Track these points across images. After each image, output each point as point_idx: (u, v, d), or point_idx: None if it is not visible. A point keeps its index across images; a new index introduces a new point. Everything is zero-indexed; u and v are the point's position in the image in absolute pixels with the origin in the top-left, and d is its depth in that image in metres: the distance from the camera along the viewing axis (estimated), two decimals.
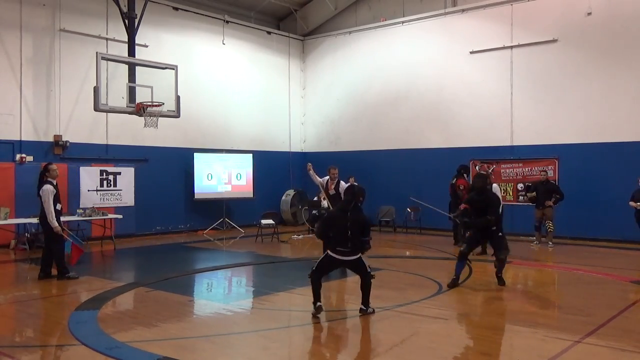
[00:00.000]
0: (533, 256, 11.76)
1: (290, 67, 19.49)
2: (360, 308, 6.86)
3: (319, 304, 6.68)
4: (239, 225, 16.56)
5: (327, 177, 10.25)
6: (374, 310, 6.90)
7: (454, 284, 8.38)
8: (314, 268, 6.85)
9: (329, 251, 6.82)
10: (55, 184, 9.05)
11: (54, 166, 9.17)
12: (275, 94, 19.03)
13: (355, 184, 10.16)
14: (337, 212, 7.08)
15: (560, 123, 14.37)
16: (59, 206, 9.05)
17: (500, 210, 9.40)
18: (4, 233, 12.17)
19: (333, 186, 10.10)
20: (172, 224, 15.95)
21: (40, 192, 8.89)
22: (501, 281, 8.49)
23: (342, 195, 9.73)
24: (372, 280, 6.84)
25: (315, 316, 6.65)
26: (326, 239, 7.05)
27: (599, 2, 13.84)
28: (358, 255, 6.78)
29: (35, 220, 11.87)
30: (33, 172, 12.76)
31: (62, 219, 9.35)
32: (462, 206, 8.84)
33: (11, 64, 13.08)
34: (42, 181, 9.02)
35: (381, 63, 17.71)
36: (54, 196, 8.91)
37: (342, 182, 10.13)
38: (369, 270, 6.82)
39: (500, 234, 8.56)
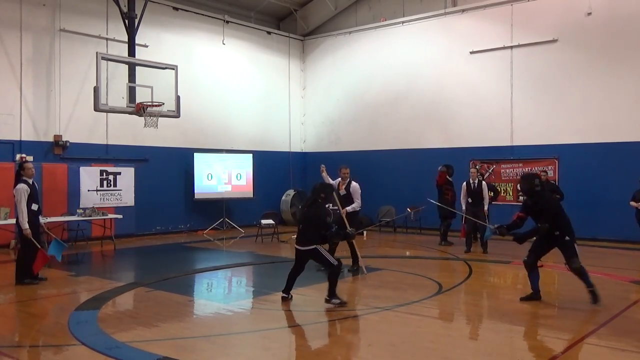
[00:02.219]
0: None
1: (290, 67, 19.49)
2: (325, 298, 7.23)
3: (285, 295, 7.38)
4: (239, 225, 16.56)
5: (339, 179, 10.16)
6: (342, 302, 7.15)
7: (530, 297, 7.43)
8: None
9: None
10: (31, 182, 8.60)
11: (29, 164, 8.71)
12: (275, 94, 19.04)
13: (325, 181, 9.97)
14: (301, 208, 7.66)
15: (560, 123, 14.37)
16: (35, 206, 8.59)
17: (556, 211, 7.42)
18: (4, 233, 12.16)
19: (344, 186, 10.04)
20: (172, 224, 15.95)
21: (14, 191, 8.45)
22: (595, 297, 7.17)
23: (353, 197, 9.80)
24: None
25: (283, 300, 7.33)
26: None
27: (599, 2, 13.84)
28: (311, 247, 7.19)
29: None
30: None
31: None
32: (517, 215, 7.63)
33: (11, 64, 13.08)
34: (17, 180, 8.56)
35: (381, 63, 17.71)
36: (29, 195, 8.46)
37: (353, 183, 10.09)
38: (333, 262, 7.16)
39: (567, 238, 7.27)
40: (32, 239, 8.51)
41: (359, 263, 9.64)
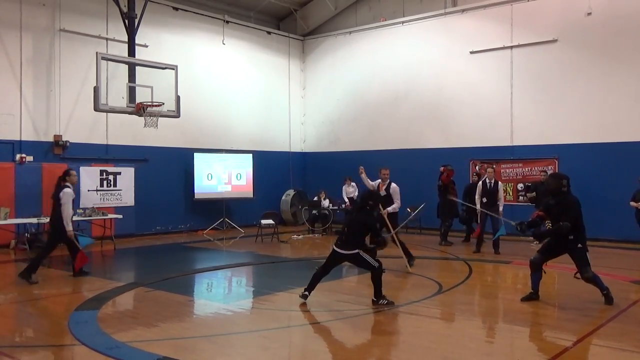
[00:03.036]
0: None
1: (290, 67, 19.49)
2: (372, 300, 7.27)
3: (306, 293, 7.32)
4: (239, 225, 16.56)
5: (379, 180, 10.23)
6: (387, 302, 7.17)
7: (530, 297, 7.48)
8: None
9: (333, 245, 7.46)
10: (72, 188, 9.24)
11: (74, 172, 9.38)
12: (275, 94, 19.04)
13: (365, 183, 10.20)
14: (348, 213, 7.66)
15: (560, 123, 14.37)
16: (72, 211, 9.25)
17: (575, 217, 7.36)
18: (4, 233, 12.16)
19: (384, 187, 10.13)
20: (172, 224, 15.95)
21: (61, 194, 8.98)
22: (609, 299, 7.25)
23: (392, 197, 9.86)
24: (368, 277, 7.27)
25: (301, 297, 7.30)
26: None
27: (599, 2, 13.84)
28: (354, 251, 7.19)
29: (35, 221, 11.95)
30: (33, 172, 12.85)
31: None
32: (536, 213, 7.76)
33: (11, 64, 13.08)
34: (60, 185, 9.12)
35: (381, 63, 17.71)
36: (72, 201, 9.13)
37: (393, 184, 10.14)
38: (374, 265, 7.19)
39: (580, 245, 7.27)
40: (74, 239, 9.14)
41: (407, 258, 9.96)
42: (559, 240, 7.28)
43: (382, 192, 10.04)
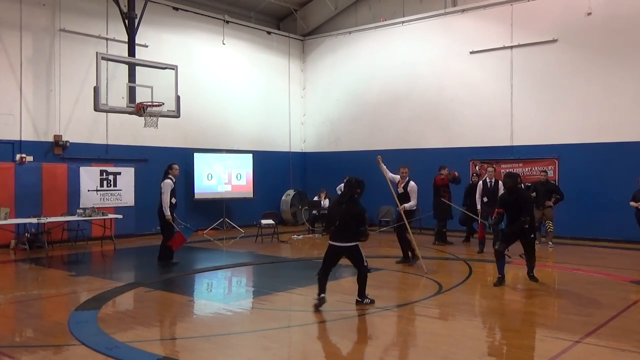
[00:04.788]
0: None
1: (290, 67, 19.49)
2: (356, 300, 7.16)
3: (322, 295, 6.95)
4: (239, 225, 16.56)
5: (398, 175, 10.32)
6: (372, 301, 7.14)
7: (500, 282, 8.38)
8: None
9: (329, 241, 7.20)
10: (174, 180, 10.54)
11: (176, 166, 10.74)
12: (275, 94, 19.04)
13: (385, 174, 10.20)
14: (334, 204, 7.46)
15: (560, 123, 14.37)
16: (173, 200, 10.48)
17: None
18: (4, 233, 12.17)
19: (402, 185, 10.19)
20: None
21: (162, 184, 10.38)
22: (534, 279, 8.61)
23: (410, 194, 9.91)
24: (369, 277, 7.19)
25: (316, 308, 6.86)
26: (329, 229, 7.44)
27: (599, 2, 13.84)
28: (354, 243, 7.06)
29: (34, 221, 11.96)
30: (33, 172, 12.85)
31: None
32: (497, 210, 8.66)
33: (11, 64, 13.08)
34: (165, 177, 10.46)
35: (381, 63, 17.71)
36: (172, 191, 10.35)
37: (411, 182, 10.20)
38: (365, 263, 7.13)
39: (532, 235, 8.50)
40: (173, 223, 10.39)
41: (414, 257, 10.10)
42: (516, 229, 8.29)
43: (400, 190, 10.18)
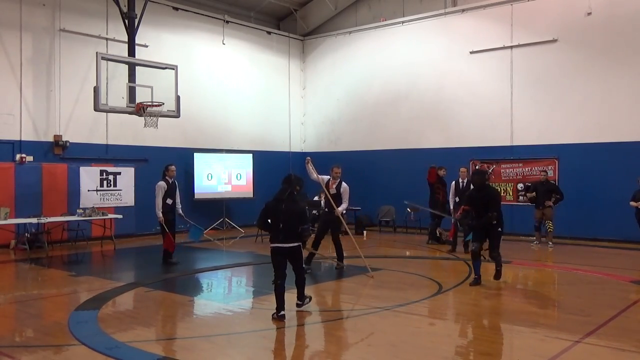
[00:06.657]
0: (533, 256, 11.75)
1: (290, 67, 19.49)
2: (296, 303, 6.95)
3: (282, 312, 6.54)
4: (239, 225, 16.56)
5: (328, 176, 10.19)
6: (310, 298, 7.06)
7: (476, 282, 8.43)
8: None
9: (270, 243, 6.84)
10: (170, 181, 10.58)
11: (172, 167, 10.78)
12: (275, 94, 19.03)
13: (310, 174, 10.10)
14: (273, 202, 7.06)
15: (560, 123, 14.37)
16: (169, 200, 10.49)
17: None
18: (4, 233, 12.16)
19: (334, 185, 10.04)
20: None
21: (156, 186, 10.46)
22: (498, 275, 8.51)
23: (342, 196, 9.83)
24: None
25: (278, 319, 6.52)
26: (265, 229, 7.02)
27: (599, 2, 13.84)
28: (297, 244, 6.75)
29: (34, 221, 11.95)
30: (33, 172, 12.85)
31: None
32: (463, 207, 8.77)
33: (11, 64, 13.07)
34: (162, 178, 10.57)
35: (381, 63, 17.71)
36: (166, 192, 10.41)
37: (344, 183, 10.08)
38: (304, 264, 7.01)
39: (500, 229, 8.47)
40: (164, 225, 10.40)
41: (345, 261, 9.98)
42: (484, 223, 8.35)
43: (333, 191, 9.89)
